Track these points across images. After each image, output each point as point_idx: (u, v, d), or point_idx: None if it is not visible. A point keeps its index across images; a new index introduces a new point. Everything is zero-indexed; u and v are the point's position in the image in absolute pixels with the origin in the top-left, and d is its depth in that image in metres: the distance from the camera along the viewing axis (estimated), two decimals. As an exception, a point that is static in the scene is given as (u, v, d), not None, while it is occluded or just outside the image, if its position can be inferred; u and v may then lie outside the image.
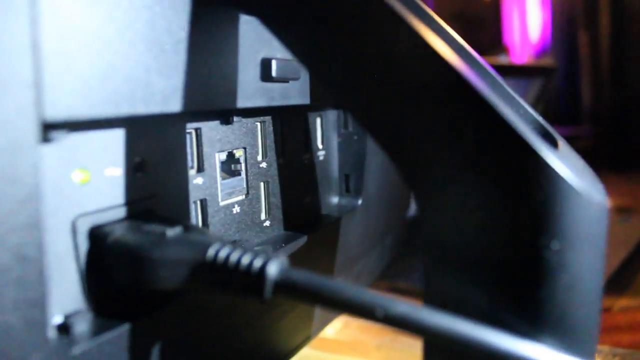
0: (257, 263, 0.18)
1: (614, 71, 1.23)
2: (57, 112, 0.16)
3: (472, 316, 0.18)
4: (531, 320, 0.18)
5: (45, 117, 0.16)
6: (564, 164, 0.17)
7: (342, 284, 0.18)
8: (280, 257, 0.18)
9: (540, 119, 0.23)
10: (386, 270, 0.50)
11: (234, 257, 0.18)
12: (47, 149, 0.18)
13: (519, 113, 0.23)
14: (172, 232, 0.19)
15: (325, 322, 0.37)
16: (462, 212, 0.18)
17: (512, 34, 1.38)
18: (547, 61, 1.28)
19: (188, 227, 0.20)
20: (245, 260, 0.18)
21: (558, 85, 1.30)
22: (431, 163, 0.19)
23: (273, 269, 0.18)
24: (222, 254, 0.18)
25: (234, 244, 0.19)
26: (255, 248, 0.21)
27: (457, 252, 0.19)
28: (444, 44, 0.19)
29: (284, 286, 0.18)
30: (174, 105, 0.20)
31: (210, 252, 0.19)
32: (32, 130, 0.16)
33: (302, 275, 0.18)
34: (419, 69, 0.19)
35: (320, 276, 0.18)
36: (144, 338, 0.20)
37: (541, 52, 1.40)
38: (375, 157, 0.37)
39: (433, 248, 0.19)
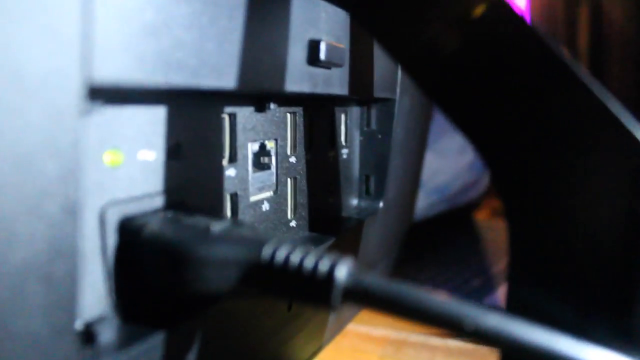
0: (324, 266, 0.15)
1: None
2: (105, 73, 0.14)
3: (561, 328, 0.15)
4: (625, 337, 0.16)
5: (94, 79, 0.13)
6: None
7: (421, 291, 0.15)
8: (349, 260, 0.16)
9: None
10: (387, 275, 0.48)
11: (295, 258, 0.16)
12: (84, 123, 0.15)
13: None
14: (218, 226, 0.17)
15: (337, 331, 0.35)
16: (553, 218, 0.16)
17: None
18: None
19: (234, 223, 0.17)
20: (309, 262, 0.16)
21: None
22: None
23: (342, 273, 0.15)
24: (281, 254, 0.16)
25: (293, 242, 0.16)
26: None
27: (545, 260, 0.17)
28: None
29: (355, 293, 0.15)
30: (225, 81, 0.18)
31: (266, 251, 0.16)
32: (75, 97, 0.13)
33: (376, 281, 0.15)
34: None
35: (397, 283, 0.15)
36: (180, 349, 0.17)
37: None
38: (397, 158, 0.35)
39: (518, 255, 0.17)
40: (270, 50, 0.20)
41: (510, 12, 0.17)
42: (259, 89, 0.20)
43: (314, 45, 0.22)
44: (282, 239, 0.16)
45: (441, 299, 0.15)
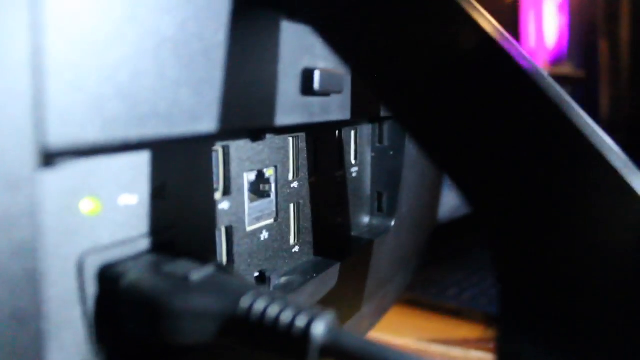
0: (301, 321, 0.15)
1: (634, 80, 1.20)
2: (62, 138, 0.13)
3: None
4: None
5: (48, 145, 0.13)
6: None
7: (402, 354, 0.15)
8: (327, 315, 0.15)
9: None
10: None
11: (272, 312, 0.15)
12: (50, 175, 0.15)
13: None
14: (197, 275, 0.16)
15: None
16: (557, 269, 0.15)
17: (529, 40, 1.34)
18: (567, 69, 1.24)
19: (217, 269, 0.17)
20: (286, 316, 0.15)
21: (576, 93, 1.26)
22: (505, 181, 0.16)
23: (319, 330, 0.15)
24: (258, 306, 0.15)
25: (275, 294, 0.16)
26: (294, 299, 0.18)
27: (541, 309, 0.16)
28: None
29: (332, 351, 0.15)
30: (205, 125, 0.17)
31: (244, 303, 0.15)
32: (28, 160, 0.13)
33: (355, 341, 0.15)
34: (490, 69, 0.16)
35: (378, 344, 0.15)
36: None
37: (557, 59, 1.36)
38: (410, 174, 0.34)
39: (511, 303, 0.16)
40: (258, 84, 0.19)
41: (500, 50, 0.16)
42: (245, 127, 0.19)
43: (307, 75, 0.21)
44: (261, 291, 0.16)
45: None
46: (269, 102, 0.20)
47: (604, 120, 1.21)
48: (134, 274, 0.16)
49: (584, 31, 1.37)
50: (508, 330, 0.17)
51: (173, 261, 0.17)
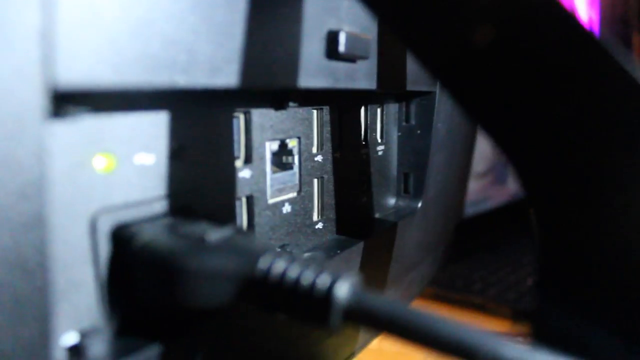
0: (323, 283, 0.14)
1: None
2: (72, 76, 0.12)
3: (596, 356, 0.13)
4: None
5: (57, 82, 0.12)
6: None
7: (430, 315, 0.14)
8: (351, 277, 0.14)
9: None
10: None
11: (292, 273, 0.14)
12: (60, 127, 0.14)
13: None
14: (214, 236, 0.16)
15: (370, 338, 0.33)
16: (599, 226, 0.14)
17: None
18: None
19: (235, 231, 0.16)
20: (307, 279, 0.14)
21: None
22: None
23: (343, 292, 0.14)
24: (277, 267, 0.14)
25: (294, 255, 0.15)
26: (309, 255, 0.17)
27: (586, 280, 0.15)
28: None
29: (356, 313, 0.14)
30: (223, 79, 0.16)
31: (262, 264, 0.15)
32: (38, 100, 0.12)
33: (379, 302, 0.14)
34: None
35: (402, 304, 0.14)
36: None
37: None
38: (438, 155, 0.33)
39: (552, 274, 0.15)
40: (280, 43, 0.18)
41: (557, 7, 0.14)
42: (265, 85, 0.18)
43: (332, 37, 0.20)
44: (280, 252, 0.15)
45: (453, 325, 0.13)
46: (291, 63, 0.19)
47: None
48: (149, 235, 0.16)
49: (615, 26, 1.33)
50: (545, 303, 0.15)
51: (190, 223, 0.17)
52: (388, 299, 0.14)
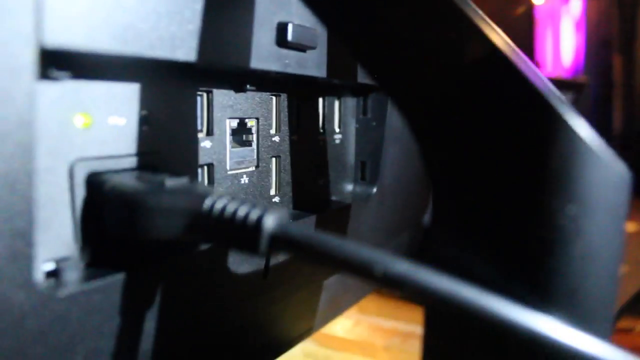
0: (254, 215, 0.17)
1: (648, 97, 1.21)
2: (57, 38, 0.16)
3: (478, 283, 0.17)
4: (542, 290, 0.17)
5: (45, 43, 0.16)
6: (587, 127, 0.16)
7: (342, 240, 0.17)
8: (279, 211, 0.17)
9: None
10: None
11: (230, 208, 0.18)
12: (48, 87, 0.17)
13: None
14: (172, 182, 0.19)
15: (329, 316, 0.36)
16: (475, 173, 0.17)
17: (545, 54, 1.36)
18: (579, 78, 1.26)
19: (190, 181, 0.19)
20: (242, 211, 0.17)
21: (589, 108, 1.28)
22: (449, 116, 0.18)
23: (270, 222, 0.17)
24: (219, 204, 0.18)
25: (234, 196, 0.18)
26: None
27: (466, 214, 0.18)
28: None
29: (280, 240, 0.17)
30: (182, 53, 0.20)
31: (207, 202, 0.18)
32: (29, 57, 0.16)
33: (300, 230, 0.17)
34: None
35: (320, 232, 0.17)
36: (134, 290, 0.19)
37: (573, 74, 1.38)
38: (393, 146, 0.36)
39: (440, 208, 0.18)
40: (235, 28, 0.22)
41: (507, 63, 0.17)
42: (220, 63, 0.22)
43: (282, 28, 0.24)
44: (224, 193, 0.18)
45: (357, 247, 0.17)
46: (244, 46, 0.23)
47: (617, 136, 1.23)
48: (117, 179, 0.19)
49: (599, 47, 1.38)
50: (442, 238, 0.19)
51: (153, 174, 0.20)
52: (307, 228, 0.17)
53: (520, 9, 1.28)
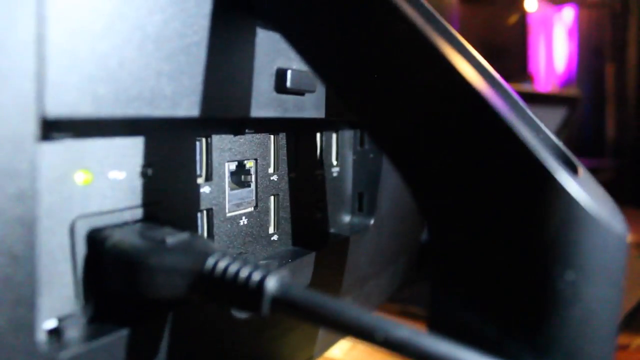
0: (256, 276, 0.17)
1: (640, 104, 1.22)
2: (58, 108, 0.16)
3: (478, 345, 0.17)
4: (541, 353, 0.17)
5: (46, 113, 0.16)
6: (583, 190, 0.16)
7: (343, 304, 0.17)
8: (281, 272, 0.18)
9: (561, 145, 0.22)
10: (397, 294, 0.49)
11: (232, 269, 0.18)
12: (48, 148, 0.17)
13: (539, 137, 0.22)
14: (173, 239, 0.19)
15: (329, 343, 0.36)
16: (474, 237, 0.18)
17: (538, 62, 1.37)
18: (572, 91, 1.27)
19: (192, 236, 0.20)
20: (244, 272, 0.18)
21: (582, 117, 1.29)
22: (445, 183, 0.18)
23: (272, 284, 0.17)
24: (221, 264, 0.18)
25: (238, 256, 0.18)
26: (259, 262, 0.21)
27: (466, 277, 0.18)
28: (468, 66, 0.18)
29: (282, 302, 0.17)
30: (183, 109, 0.20)
31: (209, 262, 0.18)
32: (31, 126, 0.16)
33: (302, 292, 0.17)
34: (441, 87, 0.18)
35: (321, 295, 0.17)
36: (138, 347, 0.19)
37: (566, 82, 1.39)
38: (390, 177, 0.37)
39: (441, 271, 0.18)
40: (234, 79, 0.22)
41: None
42: (221, 114, 0.22)
43: (281, 74, 0.24)
44: (226, 252, 0.18)
45: (359, 312, 0.17)
46: (244, 96, 0.23)
47: (610, 145, 1.23)
48: (118, 236, 0.19)
49: (592, 56, 1.39)
50: (441, 296, 0.19)
51: (154, 228, 0.20)
52: (311, 291, 0.17)
53: (514, 17, 1.29)
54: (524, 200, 0.17)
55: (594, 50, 1.39)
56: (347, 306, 0.17)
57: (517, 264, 0.17)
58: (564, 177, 0.16)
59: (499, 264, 0.18)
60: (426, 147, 0.18)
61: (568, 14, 1.44)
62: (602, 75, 1.35)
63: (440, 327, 0.18)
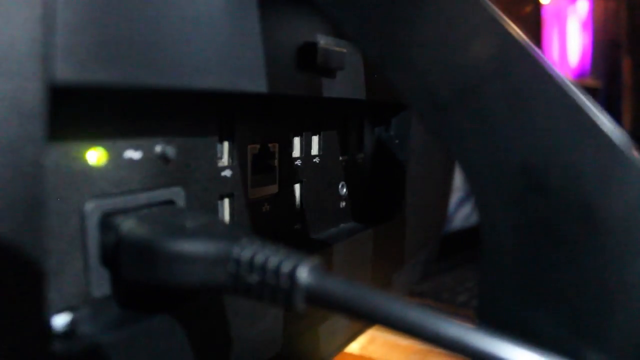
0: (287, 266, 0.16)
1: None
2: (68, 72, 0.14)
3: (532, 339, 0.15)
4: (605, 348, 0.16)
5: (56, 78, 0.14)
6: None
7: (386, 296, 0.15)
8: (314, 260, 0.16)
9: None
10: (415, 287, 0.47)
11: (260, 259, 0.16)
12: (60, 124, 0.16)
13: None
14: (193, 223, 0.17)
15: (347, 340, 0.35)
16: (533, 222, 0.16)
17: (552, 55, 1.35)
18: (590, 82, 1.24)
19: (213, 220, 0.18)
20: (274, 261, 0.16)
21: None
22: (503, 160, 0.16)
23: (304, 274, 0.15)
24: (247, 253, 0.16)
25: (264, 242, 0.16)
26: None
27: (521, 265, 0.16)
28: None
29: (317, 295, 0.15)
30: (201, 81, 0.18)
31: (235, 249, 0.16)
32: (39, 95, 0.14)
33: (339, 284, 0.15)
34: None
35: (360, 285, 0.15)
36: (156, 338, 0.18)
37: (580, 75, 1.36)
38: (416, 165, 0.35)
39: (492, 259, 0.17)
40: (258, 52, 0.20)
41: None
42: (242, 89, 0.20)
43: (308, 49, 0.22)
44: (253, 239, 0.17)
45: (405, 306, 0.15)
46: (268, 71, 0.21)
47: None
48: (134, 221, 0.17)
49: (607, 48, 1.37)
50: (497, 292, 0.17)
51: (173, 212, 0.18)
52: (344, 279, 0.15)
53: (528, 9, 1.27)
54: (593, 178, 0.15)
55: (609, 42, 1.36)
56: (391, 299, 0.15)
57: (582, 250, 0.16)
58: (631, 153, 0.14)
59: (561, 250, 0.16)
60: (481, 123, 0.16)
61: (582, 6, 1.42)
62: (617, 67, 1.33)
63: (489, 318, 0.17)
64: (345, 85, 0.26)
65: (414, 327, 0.15)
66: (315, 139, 0.28)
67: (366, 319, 0.15)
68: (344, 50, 0.24)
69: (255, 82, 0.20)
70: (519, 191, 0.16)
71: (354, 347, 0.43)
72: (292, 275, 0.15)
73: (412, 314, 0.15)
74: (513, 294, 0.16)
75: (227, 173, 0.22)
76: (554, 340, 0.16)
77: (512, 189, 0.16)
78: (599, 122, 0.16)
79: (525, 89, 0.16)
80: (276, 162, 0.25)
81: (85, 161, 0.17)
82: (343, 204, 0.31)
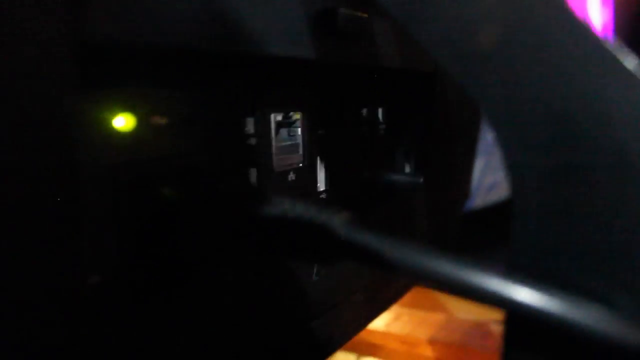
0: (321, 218, 0.16)
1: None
2: (98, 32, 0.14)
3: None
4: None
5: (85, 39, 0.14)
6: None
7: (418, 247, 0.15)
8: (346, 213, 0.16)
9: None
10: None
11: (296, 210, 0.16)
12: (89, 90, 0.16)
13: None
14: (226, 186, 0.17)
15: (371, 317, 0.34)
16: (566, 171, 0.15)
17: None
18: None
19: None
20: (307, 213, 0.16)
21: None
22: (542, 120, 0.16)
23: (338, 225, 0.15)
24: (282, 207, 0.16)
25: (296, 199, 0.16)
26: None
27: (554, 216, 0.16)
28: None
29: (351, 246, 0.15)
30: (227, 43, 0.18)
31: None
32: (67, 57, 0.14)
33: (368, 234, 0.15)
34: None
35: (389, 237, 0.15)
36: (184, 308, 0.18)
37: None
38: (439, 134, 0.34)
39: (523, 210, 0.16)
40: (280, 15, 0.20)
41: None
42: (262, 53, 0.20)
43: (329, 14, 0.22)
44: (287, 198, 0.17)
45: (438, 256, 0.15)
46: (290, 35, 0.21)
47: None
48: (165, 187, 0.17)
49: (629, 25, 1.34)
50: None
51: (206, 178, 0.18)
52: (373, 231, 0.15)
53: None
54: (624, 122, 0.15)
55: (631, 19, 1.33)
56: (422, 251, 0.15)
57: (616, 197, 0.15)
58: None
59: (594, 198, 0.16)
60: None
61: (601, -21, 1.39)
62: (639, 41, 1.29)
63: (520, 270, 0.16)
64: (367, 51, 0.25)
65: (447, 278, 0.15)
66: (339, 109, 0.28)
67: (394, 270, 0.15)
68: (366, 16, 0.24)
69: (280, 46, 0.20)
70: (548, 140, 0.16)
71: (378, 324, 0.43)
72: (326, 226, 0.15)
73: (445, 266, 0.15)
74: (544, 244, 0.16)
75: (251, 142, 0.22)
76: (586, 289, 0.16)
77: (542, 138, 0.16)
78: (627, 64, 0.15)
79: (550, 36, 0.16)
80: (299, 131, 0.25)
81: (114, 127, 0.17)
82: (368, 174, 0.31)
